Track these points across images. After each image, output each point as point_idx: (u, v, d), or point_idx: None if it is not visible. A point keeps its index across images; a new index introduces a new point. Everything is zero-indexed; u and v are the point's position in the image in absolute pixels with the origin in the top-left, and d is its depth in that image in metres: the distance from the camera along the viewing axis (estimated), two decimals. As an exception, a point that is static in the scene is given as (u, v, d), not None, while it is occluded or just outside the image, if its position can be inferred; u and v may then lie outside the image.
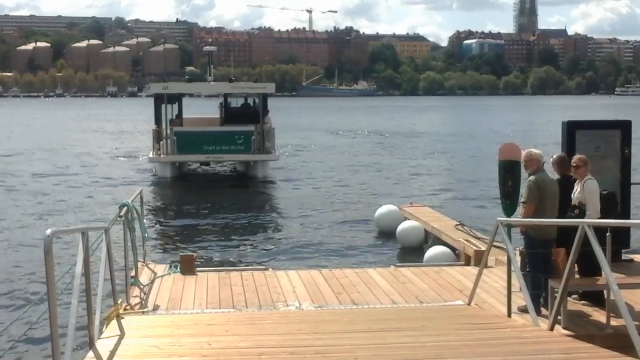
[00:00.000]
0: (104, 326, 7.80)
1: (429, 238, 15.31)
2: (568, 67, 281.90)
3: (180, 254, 12.35)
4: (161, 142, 28.04)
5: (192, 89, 33.81)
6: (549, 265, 8.48)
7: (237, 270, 11.81)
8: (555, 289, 7.96)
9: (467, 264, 12.19)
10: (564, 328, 7.89)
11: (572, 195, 8.85)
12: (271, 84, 32.92)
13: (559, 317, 7.85)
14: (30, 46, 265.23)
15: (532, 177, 8.78)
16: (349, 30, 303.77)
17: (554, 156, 9.40)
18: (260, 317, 8.68)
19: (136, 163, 35.29)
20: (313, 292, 10.08)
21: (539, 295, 8.47)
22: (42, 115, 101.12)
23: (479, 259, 10.97)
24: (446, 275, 10.99)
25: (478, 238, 13.41)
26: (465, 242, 12.94)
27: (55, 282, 5.78)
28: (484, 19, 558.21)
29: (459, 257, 13.22)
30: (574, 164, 8.99)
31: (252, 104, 30.62)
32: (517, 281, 8.26)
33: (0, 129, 69.31)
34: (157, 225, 19.82)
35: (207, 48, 40.25)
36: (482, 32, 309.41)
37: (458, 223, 14.99)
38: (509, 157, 8.98)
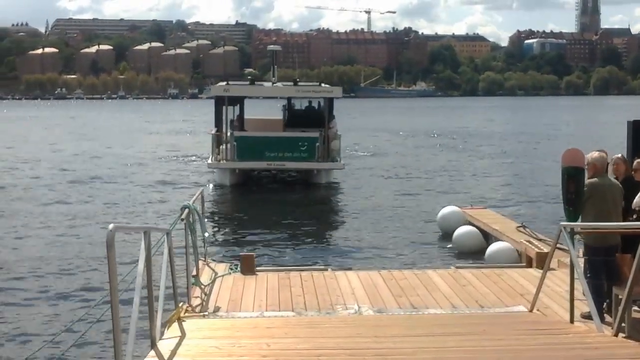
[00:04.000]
0: (166, 328, 7.88)
1: (490, 241, 15.13)
2: (632, 67, 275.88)
3: (241, 253, 12.40)
4: (221, 147, 26.83)
5: (255, 91, 31.19)
6: (612, 271, 8.33)
7: (296, 270, 11.83)
8: (620, 296, 7.79)
9: (529, 265, 12.01)
10: (628, 336, 7.69)
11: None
12: (338, 88, 30.08)
13: (622, 325, 7.67)
14: (93, 49, 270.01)
15: (588, 181, 8.71)
16: (408, 30, 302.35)
17: (613, 158, 9.24)
18: (319, 321, 8.68)
19: (195, 168, 35.06)
20: (372, 294, 10.02)
21: (601, 302, 8.31)
22: (107, 117, 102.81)
23: (540, 261, 10.83)
24: (507, 278, 10.83)
25: (540, 240, 13.22)
26: (527, 244, 12.76)
27: (117, 277, 5.85)
28: (545, 18, 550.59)
29: (520, 257, 13.05)
30: (634, 167, 8.84)
31: (317, 107, 29.28)
32: (580, 287, 8.10)
33: (67, 130, 70.78)
34: (218, 226, 19.99)
35: (271, 47, 38.16)
36: (544, 32, 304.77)
37: (520, 225, 14.81)
38: (571, 163, 8.81)
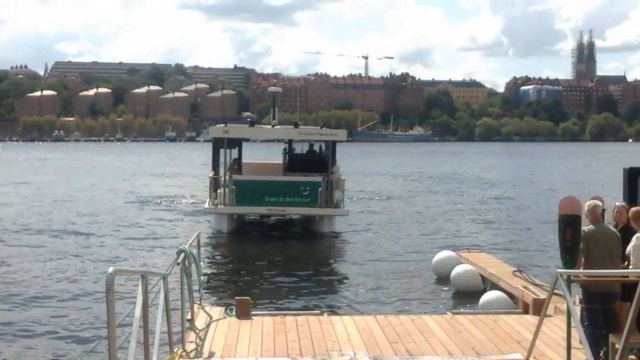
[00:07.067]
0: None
1: (486, 283, 15.14)
2: (627, 114, 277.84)
3: (236, 297, 12.39)
4: (218, 191, 25.54)
5: (255, 133, 29.48)
6: (609, 319, 8.31)
7: (292, 314, 11.79)
8: (617, 345, 7.77)
9: (525, 312, 11.99)
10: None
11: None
12: (343, 131, 28.54)
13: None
14: (91, 92, 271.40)
15: (583, 229, 8.74)
16: (405, 76, 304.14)
17: (616, 205, 9.29)
18: (315, 366, 8.64)
19: (191, 212, 34.15)
20: (368, 340, 9.99)
21: (598, 351, 8.27)
22: (104, 160, 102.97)
23: (537, 307, 10.81)
24: (504, 325, 10.80)
25: (537, 285, 13.21)
26: (524, 290, 12.73)
27: (115, 321, 5.82)
28: (541, 65, 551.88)
29: (516, 303, 13.03)
30: (630, 216, 8.86)
31: (318, 151, 28.21)
32: (577, 334, 8.07)
33: (59, 173, 70.84)
34: (213, 269, 19.91)
35: (271, 89, 36.34)
36: (540, 78, 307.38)
37: (516, 269, 14.82)
38: (568, 211, 8.85)
